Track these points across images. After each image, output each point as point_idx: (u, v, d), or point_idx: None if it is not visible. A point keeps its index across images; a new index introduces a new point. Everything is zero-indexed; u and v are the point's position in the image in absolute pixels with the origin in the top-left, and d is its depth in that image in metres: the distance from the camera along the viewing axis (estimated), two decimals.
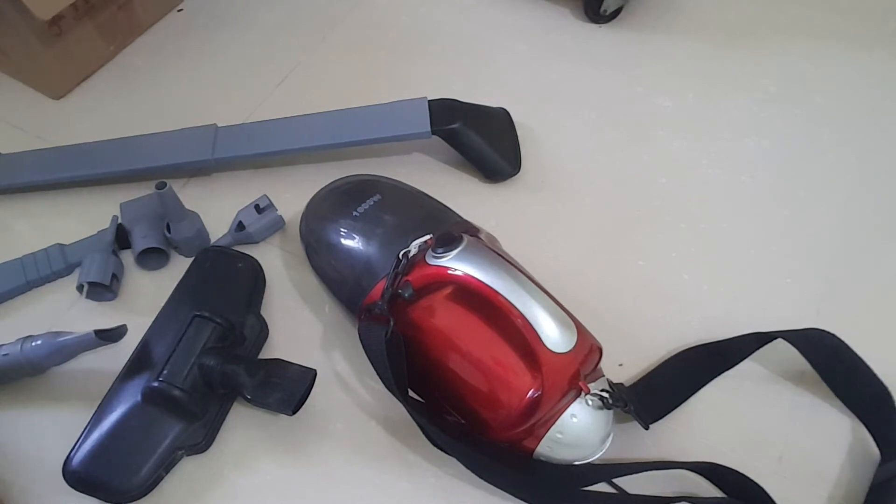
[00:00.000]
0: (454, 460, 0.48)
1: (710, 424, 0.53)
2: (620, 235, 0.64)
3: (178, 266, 0.61)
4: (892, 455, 0.50)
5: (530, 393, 0.45)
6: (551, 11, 0.84)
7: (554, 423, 0.46)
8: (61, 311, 0.60)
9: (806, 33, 0.82)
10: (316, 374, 0.51)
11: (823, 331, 0.54)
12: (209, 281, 0.59)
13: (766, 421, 0.54)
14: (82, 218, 0.64)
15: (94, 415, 0.52)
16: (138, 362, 0.54)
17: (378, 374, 0.49)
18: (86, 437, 0.51)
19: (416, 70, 0.78)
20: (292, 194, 0.65)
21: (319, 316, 0.59)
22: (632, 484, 0.49)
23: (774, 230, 0.65)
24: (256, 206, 0.62)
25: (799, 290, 0.61)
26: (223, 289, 0.58)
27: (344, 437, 0.53)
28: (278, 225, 0.64)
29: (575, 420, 0.46)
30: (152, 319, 0.57)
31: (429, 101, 0.67)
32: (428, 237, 0.51)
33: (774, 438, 0.53)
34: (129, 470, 0.49)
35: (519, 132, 0.71)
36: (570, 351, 0.46)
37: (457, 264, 0.49)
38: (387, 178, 0.62)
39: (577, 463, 0.48)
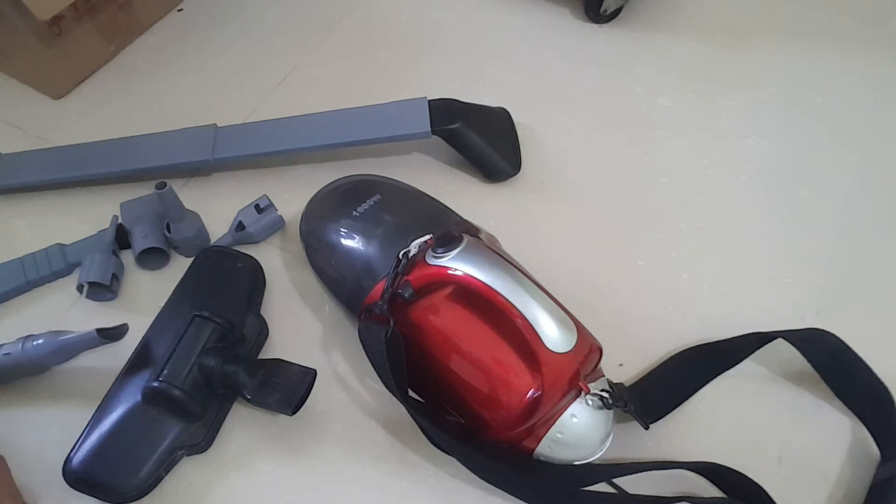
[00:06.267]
0: (454, 460, 0.48)
1: (710, 424, 0.53)
2: (620, 235, 0.64)
3: (178, 266, 0.61)
4: (892, 455, 0.50)
5: (530, 393, 0.45)
6: (551, 11, 0.84)
7: (554, 423, 0.46)
8: (61, 310, 0.60)
9: (806, 33, 0.82)
10: (316, 374, 0.51)
11: (823, 331, 0.54)
12: (209, 281, 0.59)
13: (766, 421, 0.54)
14: (82, 218, 0.64)
15: (94, 414, 0.52)
16: (138, 362, 0.54)
17: (378, 374, 0.49)
18: (86, 437, 0.51)
19: (416, 70, 0.78)
20: (292, 194, 0.65)
21: (319, 316, 0.59)
22: (632, 484, 0.49)
23: (774, 230, 0.65)
24: (256, 206, 0.62)
25: (799, 290, 0.61)
26: (223, 289, 0.58)
27: (344, 437, 0.53)
28: (278, 225, 0.64)
29: (575, 420, 0.46)
30: (152, 319, 0.57)
31: (429, 101, 0.67)
32: (428, 237, 0.51)
33: (774, 438, 0.53)
34: (129, 470, 0.49)
35: (519, 132, 0.71)
36: (570, 351, 0.46)
37: (457, 264, 0.49)
38: (387, 178, 0.62)
39: (577, 463, 0.48)
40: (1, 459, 0.50)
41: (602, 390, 0.47)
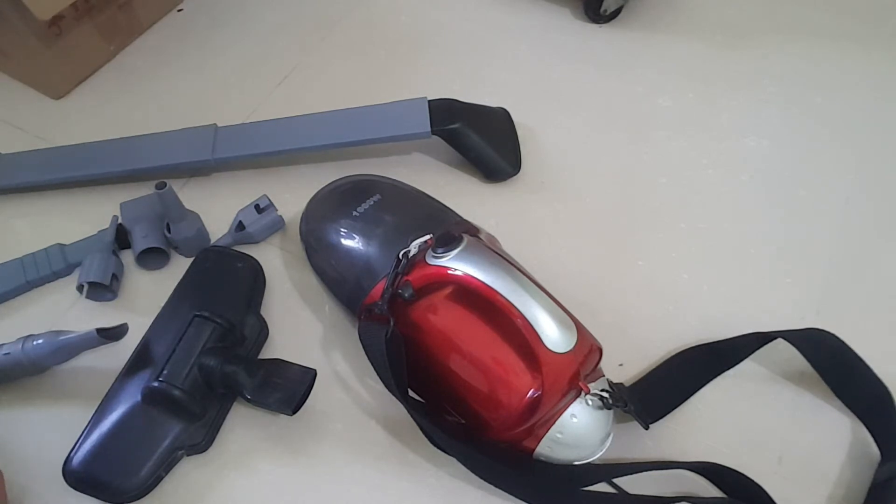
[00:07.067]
0: (454, 460, 0.48)
1: (710, 424, 0.53)
2: (620, 235, 0.64)
3: (178, 266, 0.61)
4: (892, 455, 0.50)
5: (530, 393, 0.45)
6: (551, 11, 0.84)
7: (554, 423, 0.46)
8: (61, 311, 0.60)
9: (806, 33, 0.82)
10: (316, 374, 0.51)
11: (823, 331, 0.54)
12: (209, 281, 0.59)
13: (766, 421, 0.54)
14: (82, 218, 0.64)
15: (94, 414, 0.52)
16: (138, 362, 0.54)
17: (378, 374, 0.49)
18: (86, 437, 0.51)
19: (416, 70, 0.78)
20: (292, 194, 0.65)
21: (319, 316, 0.59)
22: (632, 484, 0.49)
23: (774, 230, 0.65)
24: (256, 206, 0.62)
25: (799, 290, 0.61)
26: (223, 289, 0.58)
27: (344, 437, 0.53)
28: (278, 225, 0.64)
29: (575, 420, 0.46)
30: (152, 319, 0.57)
31: (429, 101, 0.67)
32: (428, 237, 0.51)
33: (774, 438, 0.53)
34: (129, 470, 0.49)
35: (519, 132, 0.71)
36: (570, 351, 0.46)
37: (457, 264, 0.49)
38: (387, 178, 0.62)
39: (577, 463, 0.48)
40: None
41: (602, 390, 0.47)
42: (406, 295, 0.48)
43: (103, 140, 0.69)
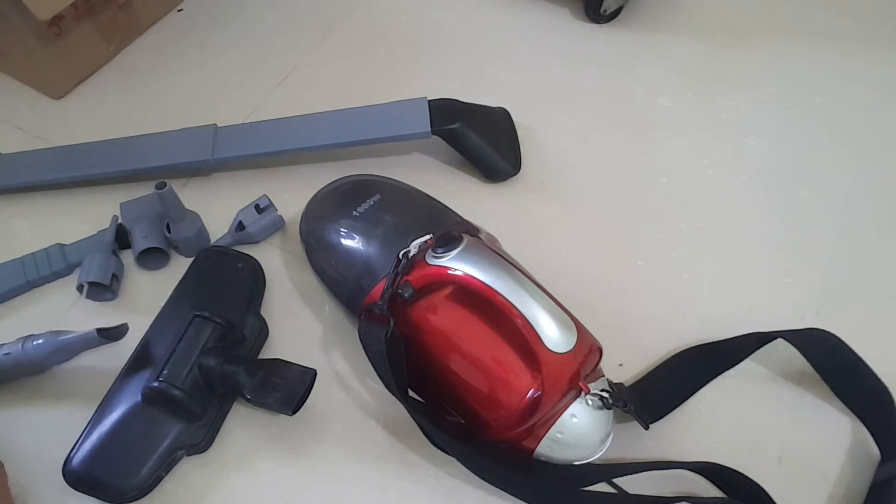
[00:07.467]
0: (454, 460, 0.48)
1: (710, 424, 0.53)
2: (620, 235, 0.64)
3: (178, 266, 0.61)
4: (892, 455, 0.50)
5: (530, 393, 0.45)
6: (551, 11, 0.84)
7: (554, 423, 0.46)
8: (61, 311, 0.60)
9: (806, 33, 0.82)
10: (316, 374, 0.51)
11: (823, 331, 0.54)
12: (209, 281, 0.59)
13: (766, 421, 0.54)
14: (82, 218, 0.64)
15: (94, 414, 0.52)
16: (138, 362, 0.54)
17: (378, 374, 0.49)
18: (86, 437, 0.51)
19: (416, 70, 0.78)
20: (292, 194, 0.65)
21: (319, 316, 0.59)
22: (632, 484, 0.49)
23: (774, 230, 0.65)
24: (256, 206, 0.62)
25: (799, 290, 0.61)
26: (223, 289, 0.58)
27: (344, 437, 0.53)
28: (278, 225, 0.64)
29: (575, 420, 0.46)
30: (152, 319, 0.57)
31: (429, 101, 0.67)
32: (428, 237, 0.51)
33: (774, 438, 0.53)
34: (129, 470, 0.49)
35: (519, 132, 0.71)
36: (570, 351, 0.46)
37: (457, 264, 0.49)
38: (387, 178, 0.62)
39: (577, 463, 0.48)
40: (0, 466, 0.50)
41: (602, 390, 0.47)
42: (406, 295, 0.48)
43: (103, 140, 0.69)
